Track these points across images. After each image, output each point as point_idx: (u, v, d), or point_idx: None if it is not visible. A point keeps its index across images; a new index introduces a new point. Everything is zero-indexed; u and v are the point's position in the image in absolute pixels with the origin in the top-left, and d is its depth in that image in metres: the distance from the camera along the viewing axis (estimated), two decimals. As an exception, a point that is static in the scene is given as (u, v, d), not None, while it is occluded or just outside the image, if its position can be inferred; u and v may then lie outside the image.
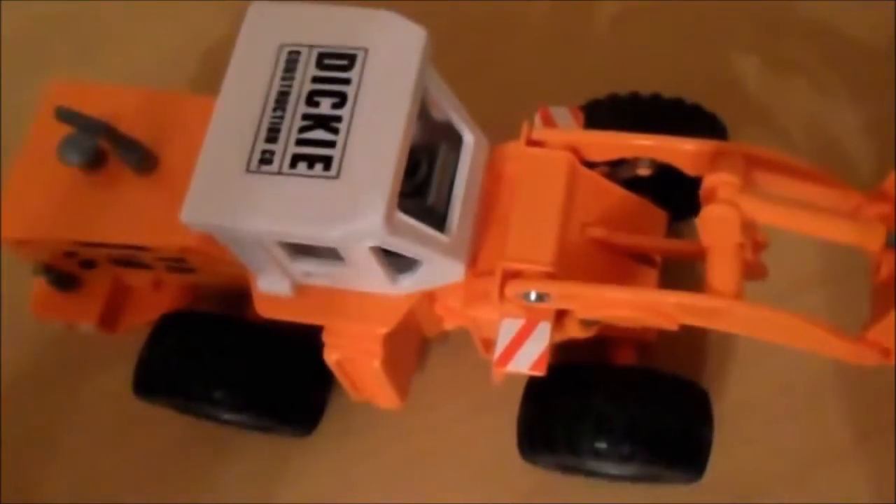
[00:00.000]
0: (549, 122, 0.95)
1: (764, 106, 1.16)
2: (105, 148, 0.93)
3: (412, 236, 0.82)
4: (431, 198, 0.88)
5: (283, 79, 0.83)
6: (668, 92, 1.02)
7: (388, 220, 0.78)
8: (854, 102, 1.15)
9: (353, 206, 0.77)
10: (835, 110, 1.15)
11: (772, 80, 1.18)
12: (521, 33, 1.26)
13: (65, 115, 0.90)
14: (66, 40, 1.32)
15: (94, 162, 0.92)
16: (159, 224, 0.90)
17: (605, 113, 1.01)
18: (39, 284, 1.01)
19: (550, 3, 1.27)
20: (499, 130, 0.94)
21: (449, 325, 0.98)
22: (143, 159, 0.92)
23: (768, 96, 1.17)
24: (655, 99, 1.02)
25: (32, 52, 1.31)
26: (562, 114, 0.96)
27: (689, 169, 0.90)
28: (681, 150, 0.89)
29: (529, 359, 0.88)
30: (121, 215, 0.92)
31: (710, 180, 0.85)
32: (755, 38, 1.21)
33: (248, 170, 0.80)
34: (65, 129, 0.91)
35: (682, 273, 0.96)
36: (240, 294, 0.96)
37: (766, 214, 0.84)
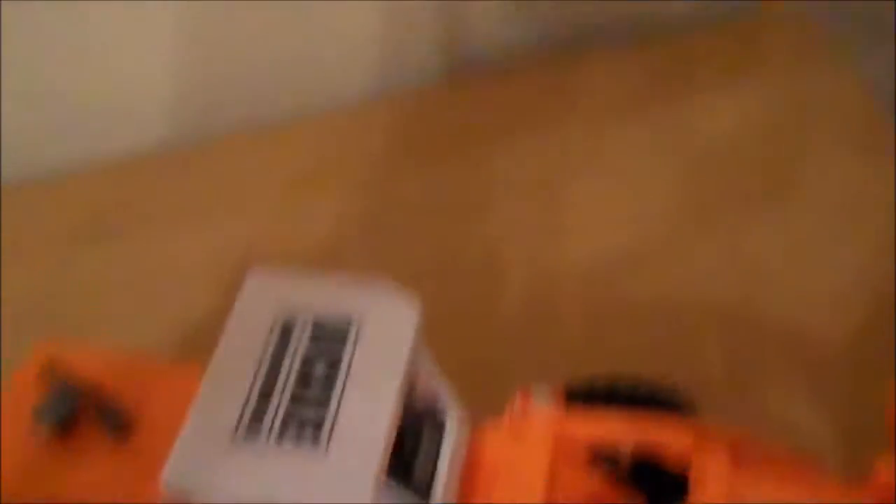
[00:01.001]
0: (528, 403, 0.95)
1: (731, 409, 1.16)
2: (81, 411, 0.91)
3: (398, 514, 0.80)
4: (417, 475, 0.87)
5: (276, 350, 0.83)
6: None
7: (376, 497, 0.76)
8: (827, 412, 1.16)
9: (340, 483, 0.76)
10: (807, 418, 1.16)
11: (739, 383, 1.19)
12: (498, 315, 1.29)
13: (44, 377, 0.90)
14: (56, 305, 1.33)
15: (69, 425, 0.91)
16: (129, 491, 0.87)
17: (582, 400, 1.01)
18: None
19: (524, 289, 1.31)
20: (477, 408, 0.94)
21: None
22: (118, 426, 0.91)
23: (735, 399, 1.18)
24: (633, 387, 1.03)
25: (20, 311, 1.32)
26: (542, 393, 0.96)
27: (672, 454, 0.90)
28: (666, 436, 0.89)
29: None
30: (91, 480, 0.89)
31: (698, 466, 0.85)
32: (724, 339, 1.24)
33: (234, 439, 0.78)
34: (41, 390, 0.90)
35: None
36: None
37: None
